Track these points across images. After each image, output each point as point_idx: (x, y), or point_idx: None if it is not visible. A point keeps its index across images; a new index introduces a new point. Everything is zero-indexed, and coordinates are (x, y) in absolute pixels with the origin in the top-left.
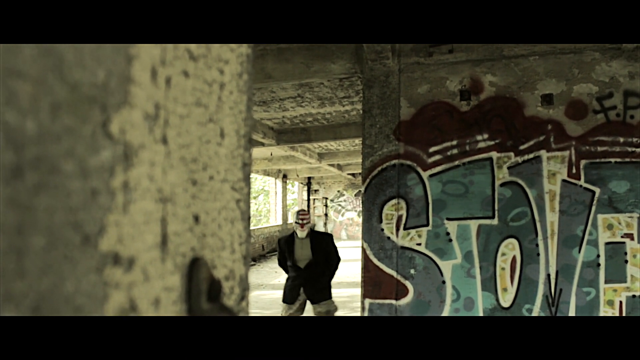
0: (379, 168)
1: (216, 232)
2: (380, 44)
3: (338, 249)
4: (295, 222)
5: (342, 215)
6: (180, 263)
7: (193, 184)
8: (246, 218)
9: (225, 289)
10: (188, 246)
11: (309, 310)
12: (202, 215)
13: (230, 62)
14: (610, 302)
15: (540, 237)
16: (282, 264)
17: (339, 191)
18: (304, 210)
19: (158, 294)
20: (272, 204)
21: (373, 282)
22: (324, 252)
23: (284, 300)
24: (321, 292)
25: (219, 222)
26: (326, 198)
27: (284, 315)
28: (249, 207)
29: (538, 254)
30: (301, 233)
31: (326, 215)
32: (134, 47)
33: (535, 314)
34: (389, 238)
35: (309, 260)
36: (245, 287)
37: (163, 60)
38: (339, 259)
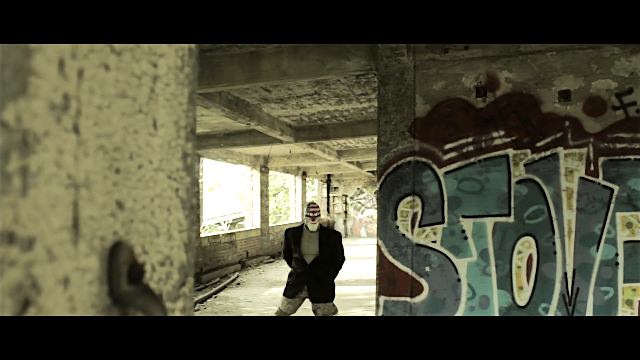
0: (394, 165)
1: (148, 218)
2: (393, 44)
3: (344, 249)
4: (306, 215)
5: (362, 212)
6: (98, 246)
7: (116, 172)
8: (188, 207)
9: (161, 274)
10: (110, 230)
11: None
12: (129, 202)
13: (167, 55)
14: (629, 302)
15: (557, 235)
16: (287, 256)
17: (358, 189)
18: (315, 204)
19: (67, 274)
20: (291, 202)
21: (388, 280)
22: (331, 249)
23: (285, 294)
24: (325, 293)
25: (151, 209)
26: (346, 195)
27: (281, 308)
28: (191, 195)
29: (555, 253)
30: (312, 226)
31: (346, 212)
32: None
33: (551, 313)
34: (404, 235)
35: (315, 255)
36: (187, 274)
37: (74, 54)
38: (343, 259)
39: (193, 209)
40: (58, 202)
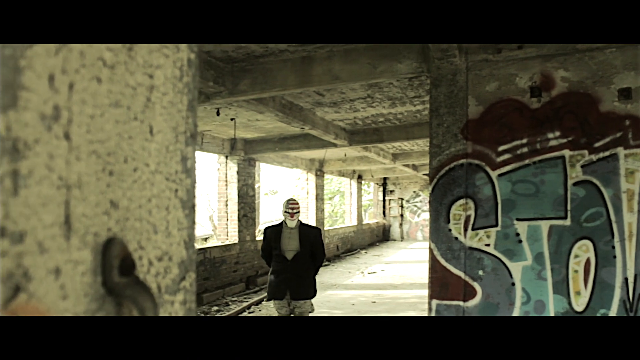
0: (447, 167)
1: (145, 217)
2: (445, 44)
3: (325, 245)
4: (285, 212)
5: (418, 216)
6: (91, 241)
7: (109, 174)
8: (188, 206)
9: (159, 268)
10: (104, 227)
11: None
12: (124, 202)
13: (164, 66)
14: None
15: (616, 238)
16: (266, 254)
17: (414, 192)
18: (294, 200)
19: (59, 265)
20: (347, 205)
21: (440, 283)
22: (311, 245)
23: (275, 298)
24: (306, 291)
25: (148, 209)
26: (402, 199)
27: (281, 313)
28: (192, 196)
29: (614, 257)
30: (291, 222)
31: (402, 216)
32: (24, 60)
33: None
34: (456, 238)
35: (296, 251)
36: (187, 269)
37: (64, 69)
38: (324, 255)
39: (194, 209)
40: (49, 201)
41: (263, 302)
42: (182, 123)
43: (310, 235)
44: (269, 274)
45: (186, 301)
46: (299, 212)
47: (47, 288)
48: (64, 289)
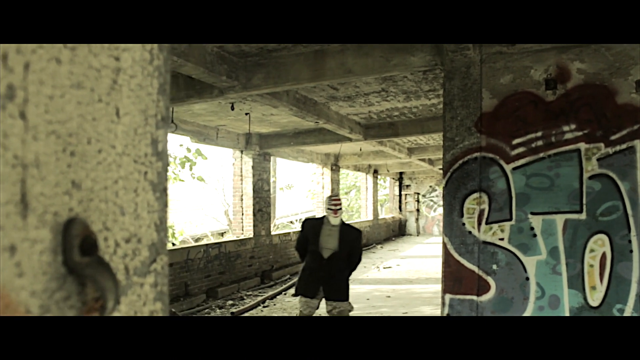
0: (460, 161)
1: (111, 198)
2: (459, 44)
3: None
4: (328, 208)
5: (435, 210)
6: (50, 220)
7: (71, 155)
8: (159, 189)
9: (127, 250)
10: (65, 207)
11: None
12: (87, 182)
13: (132, 49)
14: None
15: (633, 232)
16: (301, 247)
17: (430, 186)
18: (337, 196)
19: (14, 243)
20: (362, 200)
21: (454, 278)
22: (350, 246)
23: (304, 294)
24: (340, 291)
25: (115, 190)
26: (418, 193)
27: (302, 311)
28: (163, 179)
29: (631, 251)
30: (334, 220)
31: (418, 210)
32: None
33: (627, 314)
34: (470, 232)
35: (333, 250)
36: (158, 252)
37: (19, 50)
38: (360, 259)
39: (165, 192)
40: (4, 179)
41: (278, 297)
42: (152, 106)
43: (351, 237)
44: (302, 269)
45: (157, 284)
46: (341, 208)
47: (1, 265)
48: (19, 267)
